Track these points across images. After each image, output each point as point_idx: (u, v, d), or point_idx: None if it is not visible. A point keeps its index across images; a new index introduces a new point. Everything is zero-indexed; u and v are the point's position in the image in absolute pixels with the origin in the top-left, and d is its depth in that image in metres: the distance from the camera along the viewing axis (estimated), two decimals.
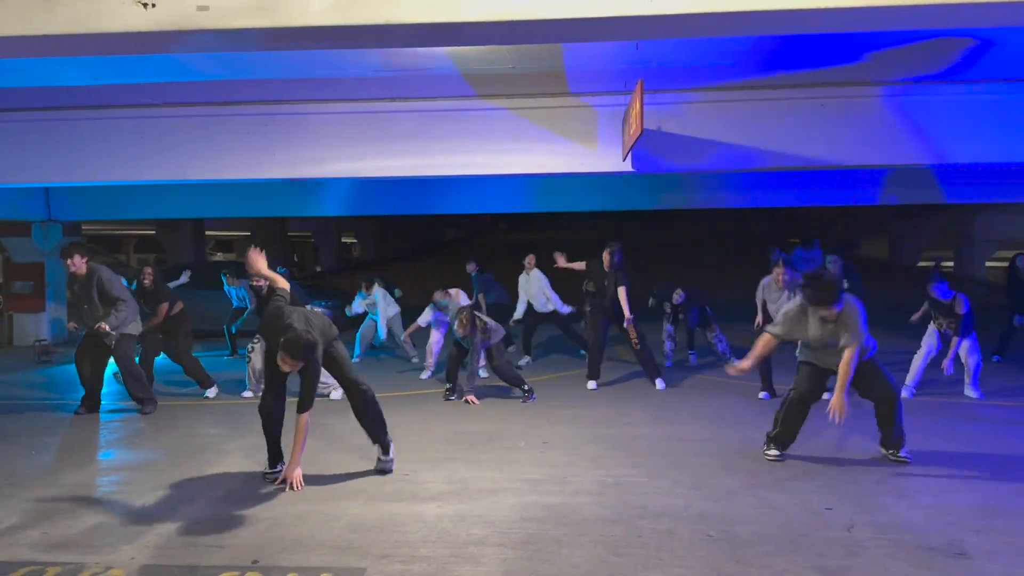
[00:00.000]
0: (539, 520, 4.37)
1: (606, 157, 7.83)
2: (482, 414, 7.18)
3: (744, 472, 5.25)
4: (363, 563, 3.81)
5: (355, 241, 33.80)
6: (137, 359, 7.70)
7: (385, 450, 5.40)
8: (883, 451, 5.59)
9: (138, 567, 3.79)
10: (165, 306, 8.09)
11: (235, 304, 10.98)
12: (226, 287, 10.83)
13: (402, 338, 10.21)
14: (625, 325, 8.03)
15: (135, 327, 7.42)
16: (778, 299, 7.74)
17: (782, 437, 5.58)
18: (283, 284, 5.26)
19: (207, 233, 22.76)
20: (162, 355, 8.40)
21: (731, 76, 7.16)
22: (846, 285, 6.83)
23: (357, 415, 5.40)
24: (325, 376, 5.62)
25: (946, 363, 7.43)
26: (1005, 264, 10.98)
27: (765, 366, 7.59)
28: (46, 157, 8.32)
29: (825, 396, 5.70)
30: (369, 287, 10.20)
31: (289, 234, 23.38)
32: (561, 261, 8.95)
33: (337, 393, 7.69)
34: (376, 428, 5.40)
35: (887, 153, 7.58)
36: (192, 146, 8.02)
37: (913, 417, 6.90)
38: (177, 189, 12.01)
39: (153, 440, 6.39)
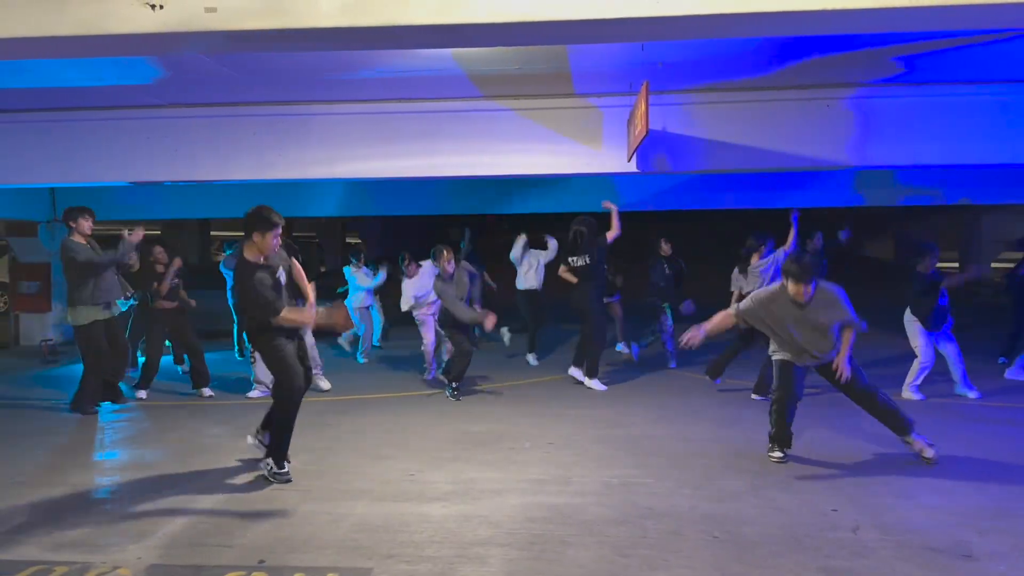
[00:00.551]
0: (544, 520, 4.38)
1: (611, 158, 7.84)
2: (487, 415, 7.19)
3: (748, 473, 5.25)
4: (369, 563, 3.83)
5: (359, 242, 33.81)
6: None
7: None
8: (904, 440, 5.52)
9: (145, 567, 3.81)
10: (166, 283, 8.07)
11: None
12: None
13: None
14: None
15: (95, 311, 7.20)
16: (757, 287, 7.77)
17: (779, 436, 5.58)
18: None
19: (212, 233, 22.80)
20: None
21: (737, 77, 7.15)
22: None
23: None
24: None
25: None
26: (1011, 265, 10.94)
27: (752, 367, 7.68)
28: (52, 157, 8.36)
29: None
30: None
31: (294, 234, 23.36)
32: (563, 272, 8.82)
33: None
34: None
35: (894, 153, 7.57)
36: (199, 147, 8.04)
37: (918, 418, 6.91)
38: (183, 189, 12.05)
39: (158, 440, 6.41)
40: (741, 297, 7.73)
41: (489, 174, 8.26)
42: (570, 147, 7.89)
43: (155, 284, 8.08)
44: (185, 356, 8.80)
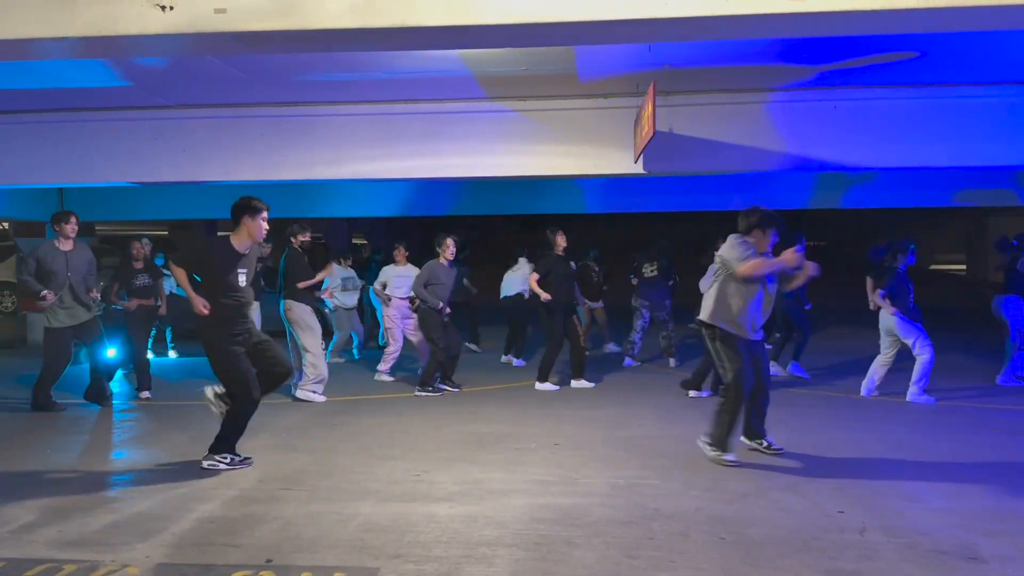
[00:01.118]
0: (551, 521, 4.38)
1: (617, 159, 7.85)
2: (492, 416, 7.20)
3: (755, 474, 5.24)
4: (376, 563, 3.83)
5: (365, 242, 33.87)
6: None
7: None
8: (750, 443, 5.66)
9: (153, 565, 3.82)
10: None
11: None
12: None
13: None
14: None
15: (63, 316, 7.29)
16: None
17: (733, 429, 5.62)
18: None
19: (219, 234, 22.85)
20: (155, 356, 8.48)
21: (743, 78, 7.15)
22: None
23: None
24: None
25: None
26: None
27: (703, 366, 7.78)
28: (60, 158, 8.41)
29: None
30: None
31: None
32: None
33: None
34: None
35: (901, 155, 7.57)
36: (206, 147, 8.08)
37: (926, 420, 6.90)
38: (190, 190, 12.09)
39: (166, 440, 6.43)
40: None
41: (494, 175, 8.28)
42: (576, 148, 7.91)
43: (116, 284, 8.14)
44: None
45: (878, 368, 7.77)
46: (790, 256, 5.36)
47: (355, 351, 10.87)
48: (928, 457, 5.68)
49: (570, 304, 8.43)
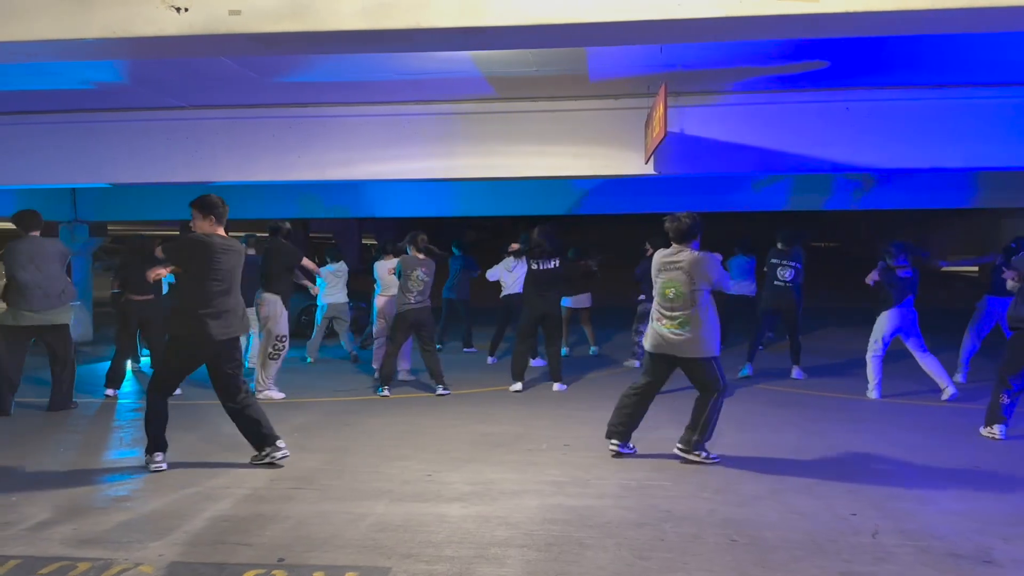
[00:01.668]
0: (563, 522, 4.38)
1: (628, 160, 7.82)
2: (501, 417, 7.20)
3: (767, 477, 5.23)
4: (388, 562, 3.84)
5: (376, 242, 33.97)
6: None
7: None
8: (679, 447, 5.63)
9: (166, 564, 3.84)
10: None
11: None
12: None
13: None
14: None
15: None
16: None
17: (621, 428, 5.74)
18: None
19: (232, 234, 22.95)
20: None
21: (755, 79, 7.13)
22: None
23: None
24: None
25: None
26: None
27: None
28: (73, 158, 8.44)
29: None
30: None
31: (311, 235, 23.54)
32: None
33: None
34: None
35: (914, 156, 7.52)
36: (219, 148, 8.10)
37: (937, 422, 6.86)
38: (204, 190, 12.11)
39: (178, 439, 6.42)
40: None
41: (506, 176, 8.27)
42: (587, 149, 7.88)
43: (124, 277, 8.28)
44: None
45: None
46: None
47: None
48: (940, 459, 5.65)
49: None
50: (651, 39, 4.52)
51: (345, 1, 3.63)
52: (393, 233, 30.57)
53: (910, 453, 5.82)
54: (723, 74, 6.98)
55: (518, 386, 8.45)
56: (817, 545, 4.02)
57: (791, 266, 9.06)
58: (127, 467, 5.65)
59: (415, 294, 8.12)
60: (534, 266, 8.50)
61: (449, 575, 3.71)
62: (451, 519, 4.44)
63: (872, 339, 7.90)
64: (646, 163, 7.42)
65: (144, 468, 5.51)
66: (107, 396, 8.14)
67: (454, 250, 11.73)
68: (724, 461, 5.61)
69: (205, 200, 5.45)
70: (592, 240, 11.58)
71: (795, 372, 9.09)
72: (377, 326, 9.41)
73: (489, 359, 10.55)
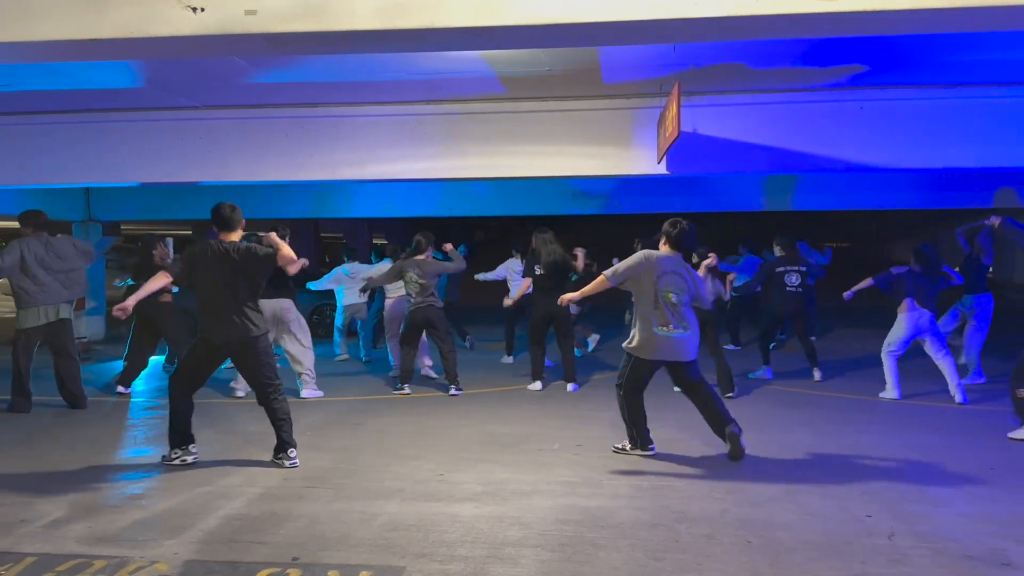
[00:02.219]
0: (576, 522, 4.37)
1: (640, 159, 7.81)
2: (512, 417, 7.19)
3: (781, 478, 5.20)
4: (402, 562, 3.84)
5: (386, 242, 33.99)
6: None
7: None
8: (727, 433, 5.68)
9: (182, 562, 3.86)
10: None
11: None
12: None
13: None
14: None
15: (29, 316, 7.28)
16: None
17: (640, 436, 5.79)
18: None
19: (243, 233, 23.01)
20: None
21: (768, 78, 7.11)
22: None
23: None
24: None
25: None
26: None
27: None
28: (87, 158, 8.49)
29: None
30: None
31: (321, 235, 23.59)
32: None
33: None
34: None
35: (927, 156, 7.48)
36: (231, 147, 8.14)
37: (950, 423, 6.82)
38: (214, 190, 12.16)
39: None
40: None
41: (516, 176, 8.27)
42: (599, 149, 7.87)
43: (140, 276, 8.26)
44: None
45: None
46: None
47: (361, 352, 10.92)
48: (954, 461, 5.61)
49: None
50: (667, 38, 4.51)
51: (360, 1, 3.64)
52: (401, 233, 30.57)
53: (924, 454, 5.79)
54: (736, 73, 6.96)
55: (537, 385, 8.47)
56: (832, 547, 4.00)
57: (797, 271, 9.01)
58: (141, 465, 5.67)
59: (414, 295, 8.17)
60: (538, 269, 8.50)
61: (463, 575, 3.71)
62: (463, 519, 4.44)
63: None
64: (659, 163, 7.40)
65: (159, 466, 5.55)
66: (119, 394, 8.18)
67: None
68: (736, 461, 5.59)
69: (213, 213, 5.60)
70: (593, 240, 11.56)
71: (815, 373, 8.99)
72: (389, 329, 9.43)
73: (507, 359, 10.56)
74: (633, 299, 5.73)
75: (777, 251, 9.28)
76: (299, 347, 7.99)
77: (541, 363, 8.64)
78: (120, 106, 8.14)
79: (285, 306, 7.84)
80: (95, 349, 11.45)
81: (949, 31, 4.46)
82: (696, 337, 5.71)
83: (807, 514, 4.49)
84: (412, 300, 8.22)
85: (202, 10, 3.64)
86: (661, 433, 6.25)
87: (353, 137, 8.02)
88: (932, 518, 4.43)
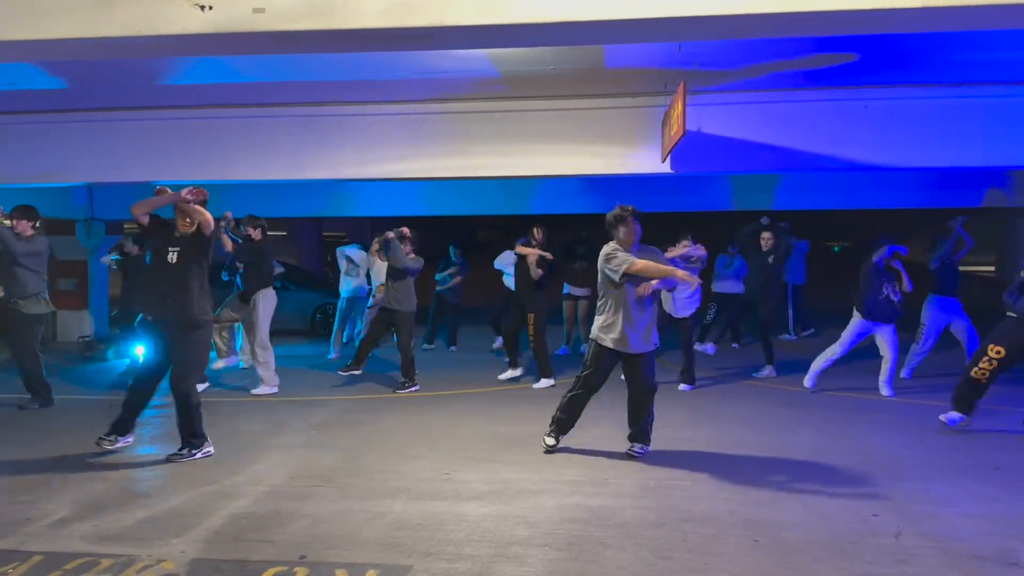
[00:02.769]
0: (582, 522, 4.37)
1: (645, 158, 7.82)
2: (515, 416, 7.18)
3: (787, 477, 5.20)
4: (408, 560, 3.84)
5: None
6: None
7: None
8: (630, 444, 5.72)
9: (188, 560, 3.86)
10: None
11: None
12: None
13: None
14: None
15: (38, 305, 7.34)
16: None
17: (564, 426, 5.83)
18: None
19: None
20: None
21: (773, 77, 7.10)
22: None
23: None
24: None
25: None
26: None
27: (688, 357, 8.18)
28: (91, 157, 8.50)
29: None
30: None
31: (324, 234, 23.57)
32: None
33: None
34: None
35: (932, 155, 7.48)
36: (236, 147, 8.14)
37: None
38: (218, 189, 12.15)
39: None
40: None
41: (521, 175, 8.28)
42: (603, 148, 7.88)
43: None
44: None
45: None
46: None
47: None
48: (958, 461, 5.61)
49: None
50: (673, 36, 4.51)
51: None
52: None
53: (928, 453, 5.79)
54: (741, 72, 6.96)
55: (550, 381, 8.47)
56: (838, 546, 4.00)
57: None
58: (145, 464, 5.67)
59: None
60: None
61: (470, 574, 3.71)
62: (470, 518, 4.44)
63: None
64: (663, 162, 7.40)
65: (163, 464, 5.57)
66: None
67: (451, 255, 11.80)
68: (741, 460, 5.59)
69: None
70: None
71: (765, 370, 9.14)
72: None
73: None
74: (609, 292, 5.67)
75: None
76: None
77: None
78: (124, 104, 8.14)
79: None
80: (99, 348, 11.43)
81: (956, 29, 4.45)
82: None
83: (813, 514, 4.49)
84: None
85: (210, 8, 3.64)
86: (667, 433, 6.26)
87: (358, 136, 8.02)
88: (938, 518, 4.42)
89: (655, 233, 8.77)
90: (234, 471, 5.39)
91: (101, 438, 5.78)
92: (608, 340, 5.58)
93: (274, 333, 8.48)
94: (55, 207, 11.91)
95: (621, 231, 5.53)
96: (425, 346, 11.48)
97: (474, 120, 7.93)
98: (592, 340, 5.73)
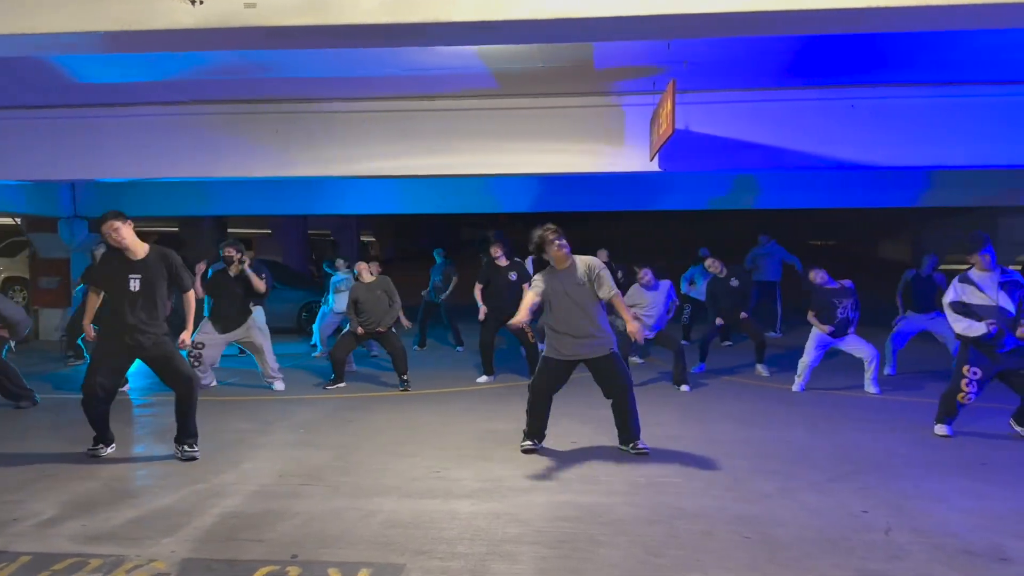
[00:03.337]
0: (574, 519, 4.37)
1: (633, 156, 7.81)
2: (506, 414, 7.16)
3: (778, 474, 5.22)
4: (401, 559, 3.83)
5: (373, 239, 33.86)
6: None
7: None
8: (623, 447, 5.77)
9: (179, 560, 3.82)
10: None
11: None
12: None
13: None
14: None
15: None
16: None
17: (534, 429, 5.86)
18: None
19: (229, 230, 22.83)
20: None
21: (761, 76, 7.13)
22: None
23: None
24: None
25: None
26: None
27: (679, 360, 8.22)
28: (73, 153, 8.37)
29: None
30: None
31: (309, 232, 23.44)
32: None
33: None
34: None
35: (918, 154, 7.53)
36: (221, 143, 8.05)
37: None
38: (203, 186, 12.07)
39: None
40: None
41: (508, 172, 8.25)
42: (591, 146, 7.86)
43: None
44: None
45: None
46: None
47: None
48: (949, 457, 5.65)
49: (505, 312, 8.22)
50: (667, 33, 4.50)
51: None
52: (392, 230, 30.40)
53: (918, 450, 5.83)
54: (729, 71, 6.97)
55: None
56: (830, 542, 4.02)
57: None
58: (134, 463, 5.62)
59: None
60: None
61: (463, 572, 3.70)
62: (462, 516, 4.43)
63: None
64: (651, 160, 7.41)
65: (153, 463, 5.52)
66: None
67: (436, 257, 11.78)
68: (733, 457, 5.61)
69: None
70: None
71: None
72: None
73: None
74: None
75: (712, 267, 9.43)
76: None
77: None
78: (107, 101, 8.03)
79: None
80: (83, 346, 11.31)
81: (949, 28, 4.47)
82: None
83: (804, 510, 4.51)
84: None
85: (201, 3, 3.60)
86: (658, 430, 6.27)
87: (345, 133, 7.96)
88: (929, 514, 4.46)
89: (646, 233, 8.84)
90: (222, 470, 5.35)
91: (90, 448, 5.71)
92: (553, 352, 5.76)
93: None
94: (37, 204, 11.78)
95: (548, 253, 5.62)
96: (416, 348, 11.41)
97: (461, 117, 7.89)
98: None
